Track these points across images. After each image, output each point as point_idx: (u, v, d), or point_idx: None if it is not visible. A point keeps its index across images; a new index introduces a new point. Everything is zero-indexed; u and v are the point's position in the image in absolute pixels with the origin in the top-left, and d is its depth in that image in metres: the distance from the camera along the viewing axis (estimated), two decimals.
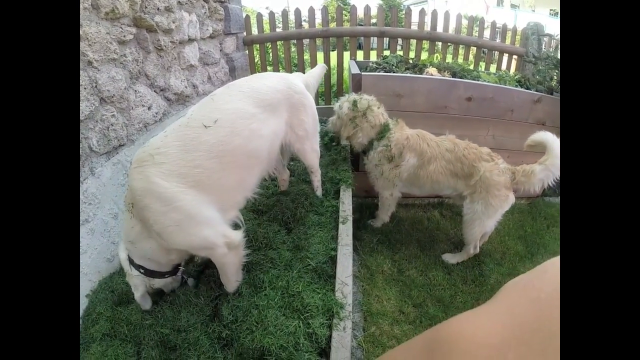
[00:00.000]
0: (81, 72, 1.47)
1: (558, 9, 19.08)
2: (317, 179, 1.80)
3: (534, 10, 19.13)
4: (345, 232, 1.58)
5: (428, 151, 1.86)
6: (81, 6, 1.46)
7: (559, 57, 2.75)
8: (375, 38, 3.66)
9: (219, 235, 1.17)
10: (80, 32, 1.45)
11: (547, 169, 1.72)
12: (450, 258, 2.08)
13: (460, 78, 2.60)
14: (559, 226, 2.47)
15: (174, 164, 1.09)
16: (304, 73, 2.04)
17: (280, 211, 1.74)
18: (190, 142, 1.12)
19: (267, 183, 2.01)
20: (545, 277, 0.31)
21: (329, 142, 2.39)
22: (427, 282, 1.95)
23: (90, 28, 1.50)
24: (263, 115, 1.29)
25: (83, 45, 1.48)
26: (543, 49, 3.51)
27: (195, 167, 1.11)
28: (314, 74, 1.84)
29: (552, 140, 1.69)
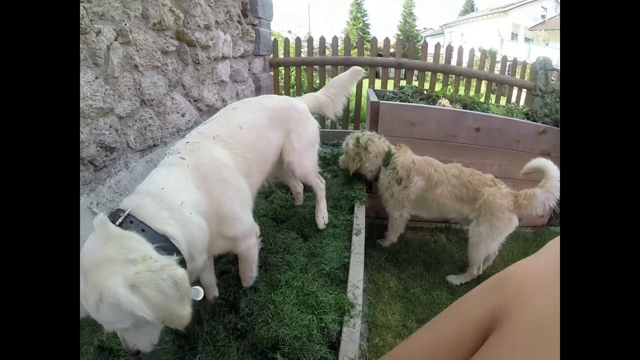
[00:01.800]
0: (127, 74, 1.63)
1: None
2: (320, 189, 1.79)
3: (547, 44, 19.53)
4: (358, 242, 1.70)
5: (435, 176, 1.99)
6: (132, 14, 1.63)
7: None
8: (393, 69, 3.86)
9: (255, 225, 1.28)
10: (130, 38, 1.61)
11: (547, 191, 1.82)
12: (455, 279, 2.14)
13: (471, 109, 2.74)
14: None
15: (234, 149, 1.20)
16: None
17: (297, 221, 1.89)
18: (233, 138, 1.23)
19: (287, 195, 2.18)
20: None
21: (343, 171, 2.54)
22: (431, 300, 2.00)
23: (139, 35, 1.67)
24: (272, 127, 1.43)
25: (131, 50, 1.64)
26: (551, 83, 3.65)
27: (243, 158, 1.23)
28: (341, 79, 1.92)
29: (549, 164, 1.81)
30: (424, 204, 2.07)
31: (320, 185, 1.79)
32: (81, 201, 1.40)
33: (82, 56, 1.38)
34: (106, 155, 1.53)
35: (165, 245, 0.89)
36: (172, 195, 0.98)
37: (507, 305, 0.35)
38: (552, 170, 1.80)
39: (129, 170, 1.68)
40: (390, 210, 2.22)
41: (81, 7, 1.35)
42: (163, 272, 0.81)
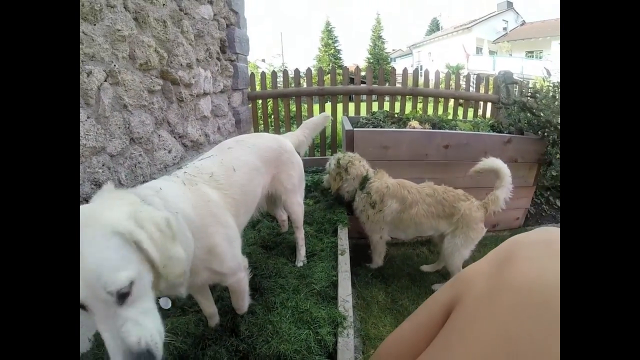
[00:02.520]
0: (117, 113, 1.72)
1: (532, 51, 20.77)
2: (301, 238, 1.90)
3: (511, 55, 20.65)
4: (344, 261, 1.83)
5: (409, 197, 2.11)
6: (120, 55, 1.72)
7: (526, 100, 3.14)
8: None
9: (243, 259, 1.34)
10: (119, 78, 1.70)
11: (504, 188, 2.02)
12: (440, 287, 2.26)
13: (439, 128, 2.97)
14: None
15: (225, 190, 1.27)
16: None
17: (286, 247, 2.02)
18: (227, 180, 1.30)
19: (272, 224, 2.30)
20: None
21: (327, 188, 2.67)
22: None
23: (127, 75, 1.77)
24: (263, 168, 1.53)
25: (120, 90, 1.74)
26: (512, 95, 3.94)
27: (232, 199, 1.28)
28: (314, 122, 2.09)
29: (499, 163, 2.00)
30: (401, 224, 2.18)
31: (302, 236, 1.91)
32: None
33: None
34: None
35: None
36: (171, 199, 1.01)
37: (460, 294, 0.48)
38: (503, 169, 2.00)
39: None
40: (369, 233, 2.33)
41: None
42: (156, 212, 0.85)
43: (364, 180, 2.27)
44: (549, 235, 0.44)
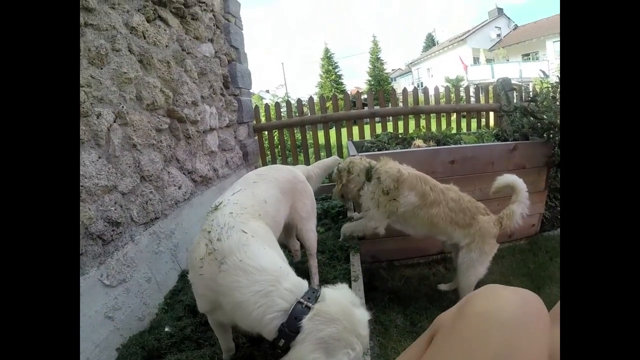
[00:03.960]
0: (127, 152, 1.78)
1: (528, 53, 20.78)
2: (314, 266, 1.93)
3: (507, 60, 20.55)
4: (358, 287, 1.79)
5: (431, 195, 1.97)
6: (127, 97, 1.80)
7: (526, 105, 3.10)
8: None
9: None
10: (127, 119, 1.78)
11: (521, 203, 1.96)
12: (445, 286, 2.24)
13: (444, 144, 2.97)
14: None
15: (264, 220, 1.32)
16: (307, 161, 2.34)
17: (300, 275, 1.95)
18: (261, 211, 1.35)
19: (285, 253, 2.25)
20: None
21: (336, 215, 2.67)
22: None
23: (135, 116, 1.85)
24: (283, 200, 1.60)
25: (129, 130, 1.81)
26: (513, 102, 3.87)
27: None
28: (325, 164, 2.19)
29: (515, 179, 1.95)
30: (414, 220, 2.03)
31: (315, 264, 1.94)
32: (91, 274, 1.47)
33: (85, 137, 1.51)
34: (113, 230, 1.63)
35: None
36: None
37: (436, 329, 0.65)
38: (519, 183, 1.95)
39: (134, 242, 1.77)
40: (369, 220, 2.15)
41: (82, 92, 1.49)
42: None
43: (369, 171, 2.13)
44: (494, 287, 0.63)
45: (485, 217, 2.01)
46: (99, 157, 1.59)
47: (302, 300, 0.94)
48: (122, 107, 1.76)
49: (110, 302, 1.56)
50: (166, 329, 1.68)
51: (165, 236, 2.02)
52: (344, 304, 0.95)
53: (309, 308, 0.91)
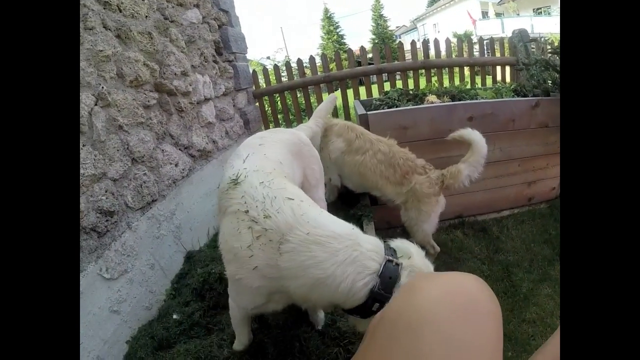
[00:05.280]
0: (113, 135, 1.64)
1: (540, 7, 19.63)
2: None
3: (518, 14, 19.68)
4: None
5: (356, 142, 2.01)
6: (107, 76, 1.63)
7: (548, 57, 2.87)
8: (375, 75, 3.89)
9: None
10: (109, 100, 1.62)
11: (471, 166, 1.85)
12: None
13: (459, 100, 2.72)
14: None
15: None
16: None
17: None
18: (283, 172, 1.16)
19: None
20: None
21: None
22: None
23: (118, 95, 1.68)
24: (295, 162, 1.38)
25: (113, 111, 1.65)
26: (532, 54, 3.63)
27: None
28: (322, 108, 1.98)
29: (476, 137, 1.82)
30: (345, 169, 2.07)
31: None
32: (90, 268, 1.39)
33: None
34: (107, 220, 1.52)
35: None
36: None
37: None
38: (478, 144, 1.81)
39: (132, 230, 1.67)
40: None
41: None
42: None
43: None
44: (419, 278, 0.63)
45: (421, 177, 1.93)
46: (83, 145, 1.45)
47: (390, 257, 0.84)
48: (102, 87, 1.59)
49: (114, 295, 1.49)
50: (174, 317, 1.62)
51: (165, 218, 1.92)
52: (422, 255, 0.89)
53: (398, 265, 0.82)
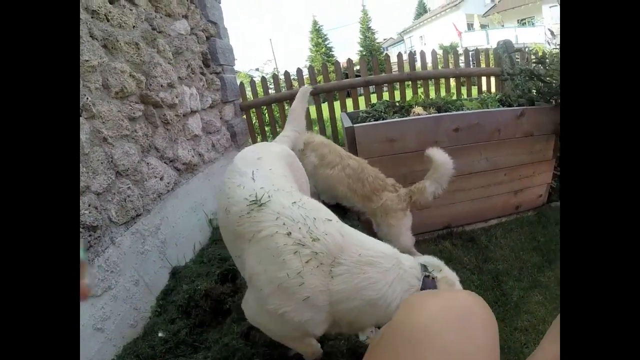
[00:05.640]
0: (97, 148, 1.60)
1: (524, 19, 20.29)
2: None
3: (503, 26, 20.25)
4: None
5: (328, 156, 2.14)
6: (92, 86, 1.60)
7: (532, 67, 2.94)
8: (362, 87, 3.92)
9: None
10: (94, 111, 1.58)
11: (435, 182, 1.93)
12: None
13: (445, 111, 2.76)
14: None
15: None
16: None
17: None
18: (294, 187, 1.15)
19: None
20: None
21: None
22: None
23: (103, 107, 1.65)
24: (290, 175, 1.33)
25: (97, 123, 1.61)
26: (516, 64, 3.72)
27: None
28: (295, 108, 1.89)
29: (436, 154, 1.89)
30: (318, 180, 2.19)
31: None
32: None
33: None
34: (90, 235, 1.47)
35: None
36: None
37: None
38: (440, 163, 1.88)
39: (116, 245, 1.62)
40: None
41: None
42: None
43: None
44: (418, 295, 0.66)
45: (391, 194, 2.04)
46: None
47: (427, 273, 0.89)
48: (87, 98, 1.56)
49: (97, 312, 1.44)
50: (160, 335, 1.57)
51: (150, 233, 1.87)
52: (448, 267, 0.97)
53: (434, 279, 0.88)
